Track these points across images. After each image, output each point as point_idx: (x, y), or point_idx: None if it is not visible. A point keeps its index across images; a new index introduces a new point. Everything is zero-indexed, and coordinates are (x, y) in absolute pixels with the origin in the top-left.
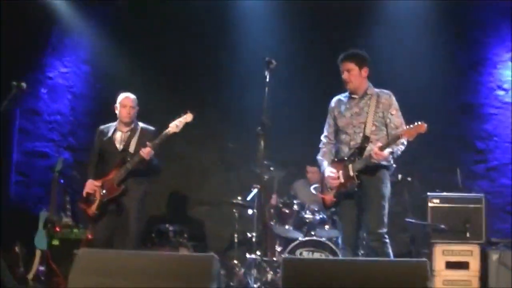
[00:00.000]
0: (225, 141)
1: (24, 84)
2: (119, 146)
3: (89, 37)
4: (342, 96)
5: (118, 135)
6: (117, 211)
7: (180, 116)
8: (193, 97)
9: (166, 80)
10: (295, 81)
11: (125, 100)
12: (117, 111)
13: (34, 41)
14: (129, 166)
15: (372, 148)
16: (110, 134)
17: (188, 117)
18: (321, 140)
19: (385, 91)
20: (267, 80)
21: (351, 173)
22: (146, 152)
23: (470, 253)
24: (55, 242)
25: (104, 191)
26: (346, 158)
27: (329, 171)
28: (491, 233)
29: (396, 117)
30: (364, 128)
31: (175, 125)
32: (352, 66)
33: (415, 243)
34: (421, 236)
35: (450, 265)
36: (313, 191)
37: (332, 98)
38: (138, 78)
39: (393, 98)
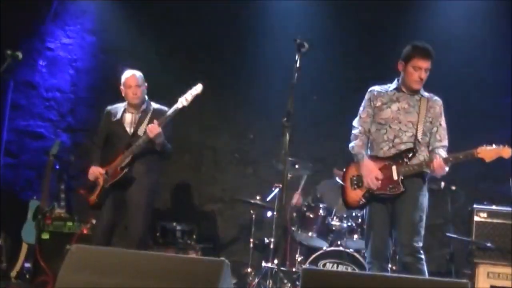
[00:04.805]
0: (244, 130)
1: (20, 54)
2: (129, 129)
3: (96, 3)
4: (385, 89)
5: (128, 117)
6: (123, 202)
7: (190, 89)
8: (209, 77)
9: (181, 57)
10: (326, 69)
11: (128, 80)
12: (123, 93)
13: (33, 5)
14: (135, 147)
15: (427, 155)
16: (119, 116)
17: (197, 89)
18: (354, 127)
19: (436, 97)
20: (297, 65)
21: (395, 177)
22: (152, 129)
23: None
24: (45, 236)
25: (107, 177)
26: (389, 157)
27: (375, 170)
28: None
29: (443, 129)
30: (416, 131)
31: (184, 99)
32: (431, 65)
33: (456, 262)
34: (463, 254)
35: None
36: (339, 180)
37: (367, 89)
38: (150, 51)
39: (442, 107)
